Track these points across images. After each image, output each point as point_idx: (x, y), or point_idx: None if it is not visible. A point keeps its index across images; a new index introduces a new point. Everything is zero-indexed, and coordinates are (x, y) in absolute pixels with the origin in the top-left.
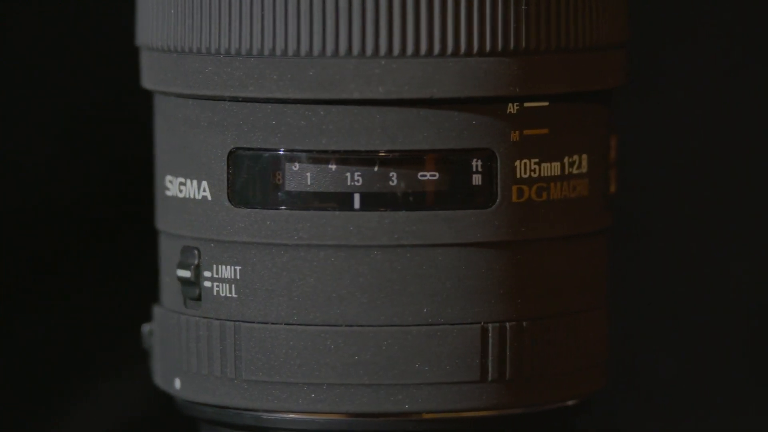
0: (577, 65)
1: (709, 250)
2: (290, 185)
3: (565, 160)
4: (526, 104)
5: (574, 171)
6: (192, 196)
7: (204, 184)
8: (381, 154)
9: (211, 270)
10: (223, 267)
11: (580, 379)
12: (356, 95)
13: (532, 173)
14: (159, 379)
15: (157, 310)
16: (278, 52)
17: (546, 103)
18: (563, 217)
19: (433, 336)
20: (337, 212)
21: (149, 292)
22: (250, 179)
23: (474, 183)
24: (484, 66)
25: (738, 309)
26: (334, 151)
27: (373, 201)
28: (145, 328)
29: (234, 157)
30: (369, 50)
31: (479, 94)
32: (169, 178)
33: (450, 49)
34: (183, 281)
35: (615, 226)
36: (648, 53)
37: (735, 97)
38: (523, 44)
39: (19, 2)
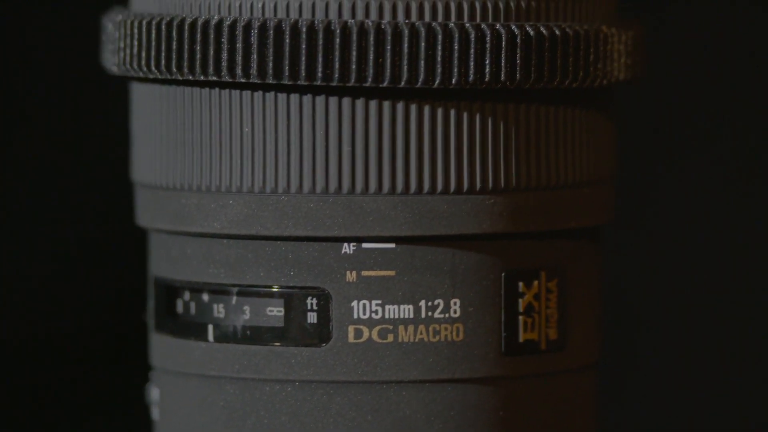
0: (424, 209)
1: None
2: (182, 315)
3: (422, 303)
4: (365, 245)
5: (436, 315)
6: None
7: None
8: (230, 287)
9: (154, 392)
10: (154, 390)
11: None
12: (199, 229)
13: (374, 314)
14: None
15: None
16: (151, 184)
17: (392, 245)
18: (418, 361)
19: None
20: (199, 342)
21: None
22: (158, 306)
23: (309, 321)
24: (305, 205)
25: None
26: (198, 283)
27: (223, 333)
28: None
29: (153, 284)
30: (204, 185)
31: (302, 234)
32: None
33: (269, 187)
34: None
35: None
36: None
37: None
38: (348, 186)
39: (18, 148)
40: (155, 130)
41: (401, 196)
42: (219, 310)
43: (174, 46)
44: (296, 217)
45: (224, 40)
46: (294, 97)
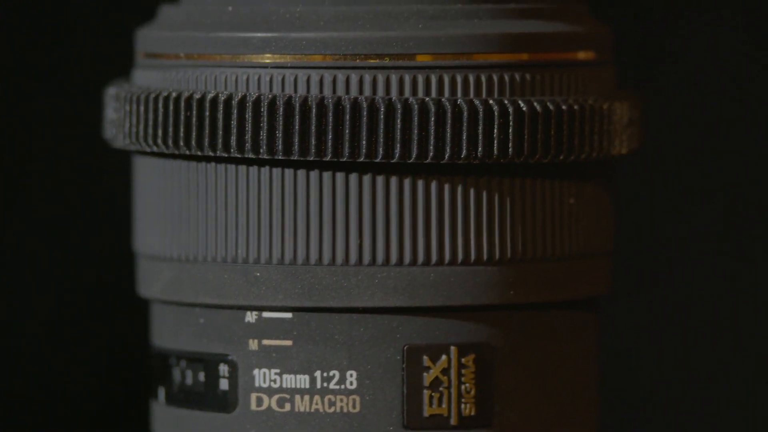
0: (313, 280)
1: None
2: (154, 377)
3: (317, 373)
4: (265, 314)
5: (332, 386)
6: None
7: None
8: (172, 351)
9: None
10: None
11: None
12: (145, 294)
13: (273, 383)
14: None
15: None
16: (136, 251)
17: (289, 315)
18: (314, 431)
19: None
20: (156, 404)
21: None
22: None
23: (221, 387)
24: (211, 273)
25: None
26: (159, 348)
27: (168, 396)
28: None
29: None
30: (147, 253)
31: (210, 302)
32: None
33: (184, 255)
34: None
35: None
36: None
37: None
38: (243, 255)
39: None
40: (133, 200)
41: (290, 266)
42: (175, 374)
43: (115, 116)
44: (206, 285)
45: (151, 110)
46: (201, 166)
